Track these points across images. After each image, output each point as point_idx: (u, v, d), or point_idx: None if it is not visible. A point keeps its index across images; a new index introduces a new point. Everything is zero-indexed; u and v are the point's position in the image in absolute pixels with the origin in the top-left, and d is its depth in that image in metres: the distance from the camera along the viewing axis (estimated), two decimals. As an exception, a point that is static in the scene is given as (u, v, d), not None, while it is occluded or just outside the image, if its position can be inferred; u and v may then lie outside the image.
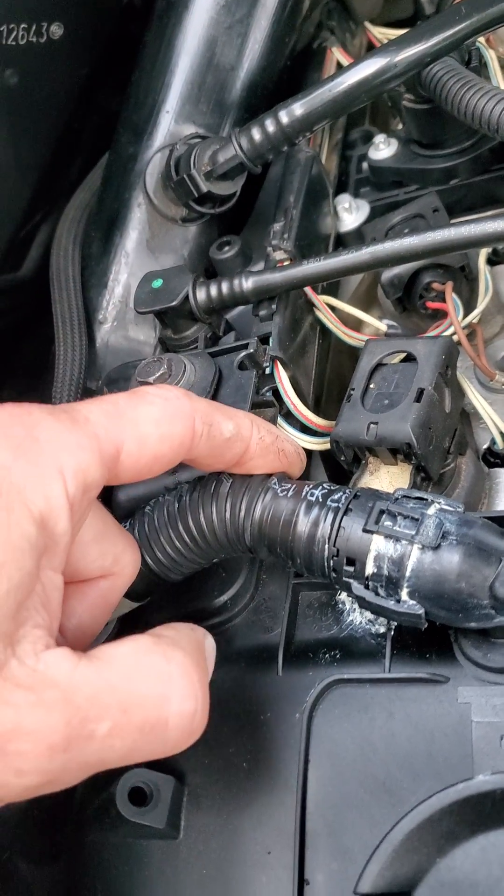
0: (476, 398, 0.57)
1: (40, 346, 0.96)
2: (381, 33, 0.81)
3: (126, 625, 0.57)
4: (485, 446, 0.59)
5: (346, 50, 0.78)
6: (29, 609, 0.34)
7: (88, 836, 0.50)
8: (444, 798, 0.38)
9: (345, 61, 0.75)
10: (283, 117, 0.58)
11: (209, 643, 0.43)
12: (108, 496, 0.58)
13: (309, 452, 0.59)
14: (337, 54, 0.76)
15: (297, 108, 0.57)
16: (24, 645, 0.34)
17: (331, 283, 0.66)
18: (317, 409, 0.59)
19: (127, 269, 0.67)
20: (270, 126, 0.58)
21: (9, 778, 0.33)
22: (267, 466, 0.47)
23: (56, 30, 0.75)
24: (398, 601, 0.43)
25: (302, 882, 0.42)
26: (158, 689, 0.37)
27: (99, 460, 0.38)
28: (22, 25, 0.72)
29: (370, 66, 0.56)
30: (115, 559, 0.43)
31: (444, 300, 0.58)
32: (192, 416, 0.42)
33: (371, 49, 0.82)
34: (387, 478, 0.53)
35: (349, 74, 0.56)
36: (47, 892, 0.64)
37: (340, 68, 0.76)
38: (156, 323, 0.66)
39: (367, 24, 0.82)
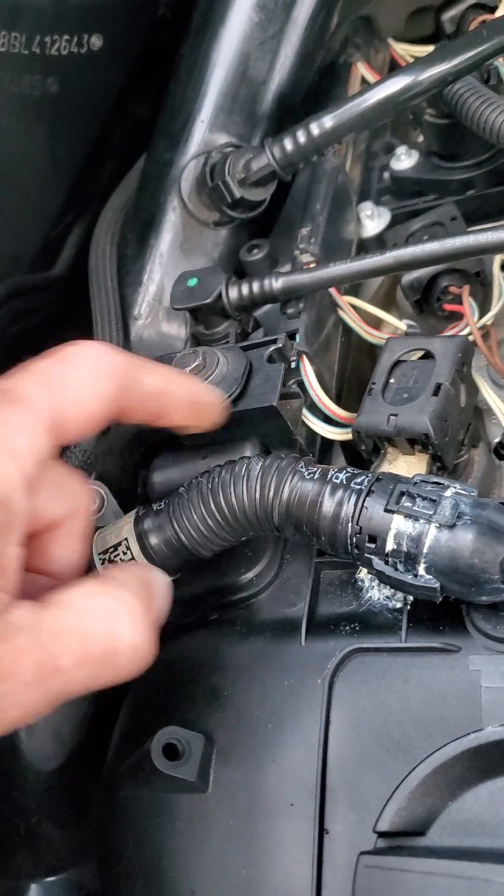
0: (489, 395, 0.61)
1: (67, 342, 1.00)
2: (404, 49, 0.85)
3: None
4: (496, 440, 0.63)
5: (371, 65, 0.82)
6: None
7: (121, 793, 0.53)
8: (456, 747, 0.41)
9: (369, 76, 0.79)
10: (315, 129, 0.62)
11: (159, 581, 0.47)
12: (144, 482, 0.62)
13: (330, 442, 0.63)
14: (362, 69, 0.80)
15: (328, 121, 0.61)
16: None
17: (353, 285, 0.70)
18: (338, 401, 0.63)
19: (161, 269, 0.71)
20: (302, 137, 0.62)
21: None
22: (190, 421, 0.51)
23: (96, 41, 0.79)
24: (416, 576, 0.47)
25: (322, 831, 0.46)
26: (107, 623, 0.42)
27: (45, 434, 0.41)
28: (65, 37, 0.76)
29: (396, 84, 0.60)
30: (73, 498, 0.47)
31: (460, 303, 0.62)
32: (119, 372, 0.45)
33: (393, 64, 0.86)
34: (404, 467, 0.57)
35: (376, 91, 0.60)
36: (73, 853, 0.68)
37: (365, 82, 0.81)
38: (186, 319, 0.70)
39: (391, 41, 0.85)
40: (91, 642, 0.40)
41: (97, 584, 0.43)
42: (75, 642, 0.40)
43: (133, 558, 0.54)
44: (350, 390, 0.68)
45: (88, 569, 0.51)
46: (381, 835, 0.42)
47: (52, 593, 0.41)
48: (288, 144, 0.63)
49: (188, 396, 0.50)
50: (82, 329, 0.78)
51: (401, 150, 0.75)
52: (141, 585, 0.45)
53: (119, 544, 0.54)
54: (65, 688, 0.40)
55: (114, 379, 0.45)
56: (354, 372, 0.70)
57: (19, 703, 0.38)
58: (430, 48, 0.82)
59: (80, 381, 0.43)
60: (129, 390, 0.46)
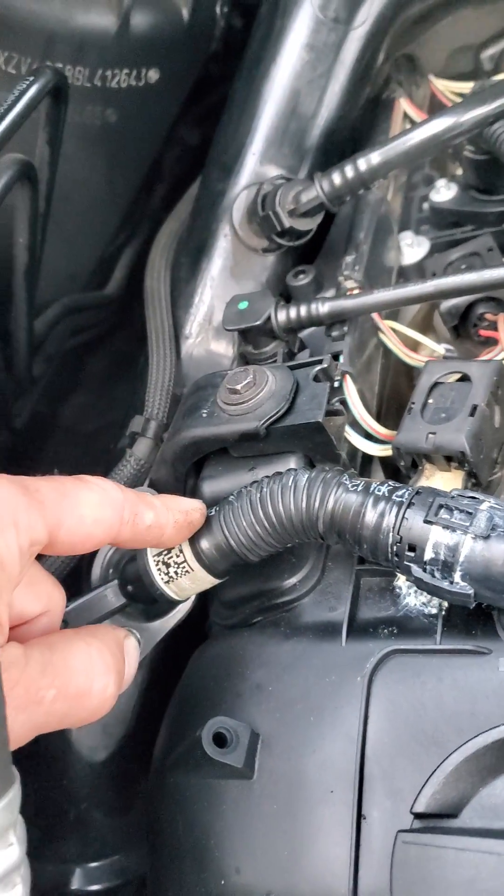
0: (521, 417, 0.65)
1: (111, 358, 1.05)
2: (444, 86, 0.89)
3: (204, 599, 0.65)
4: (527, 459, 0.67)
5: (412, 100, 0.86)
6: None
7: (171, 778, 0.57)
8: (486, 738, 0.45)
9: (412, 112, 0.84)
10: (362, 165, 0.66)
11: (129, 641, 0.52)
12: (192, 490, 0.66)
13: (370, 457, 0.67)
14: (404, 105, 0.84)
15: (375, 158, 0.66)
16: None
17: (393, 310, 0.74)
18: (378, 419, 0.67)
19: (211, 292, 0.76)
20: (350, 172, 0.67)
21: None
22: (178, 540, 0.56)
23: (153, 75, 0.83)
24: (451, 583, 0.50)
25: (360, 817, 0.50)
26: (85, 666, 0.47)
27: (44, 525, 0.46)
28: (124, 71, 0.81)
29: (440, 124, 0.64)
30: (49, 598, 0.52)
31: (495, 329, 0.66)
32: (122, 506, 0.50)
33: (434, 99, 0.91)
34: (441, 482, 0.61)
35: (421, 130, 0.65)
36: (119, 840, 0.72)
37: (407, 117, 0.85)
38: (234, 339, 0.74)
39: (432, 77, 0.89)
40: (70, 680, 0.46)
41: (77, 634, 0.49)
42: (57, 678, 0.45)
43: (186, 561, 0.57)
44: (389, 409, 0.72)
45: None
46: (418, 816, 0.46)
47: (35, 639, 0.47)
48: (336, 178, 0.68)
49: (174, 526, 0.54)
50: (131, 345, 0.83)
51: (440, 182, 0.79)
52: (114, 642, 0.50)
53: (173, 547, 0.58)
54: (45, 719, 0.44)
55: (117, 511, 0.50)
56: (393, 392, 0.74)
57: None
58: (469, 84, 0.86)
59: (89, 501, 0.48)
60: (128, 524, 0.51)
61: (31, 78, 0.62)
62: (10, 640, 0.45)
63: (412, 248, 0.77)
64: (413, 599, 0.57)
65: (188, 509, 0.56)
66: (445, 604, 0.55)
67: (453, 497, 0.52)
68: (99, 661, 0.48)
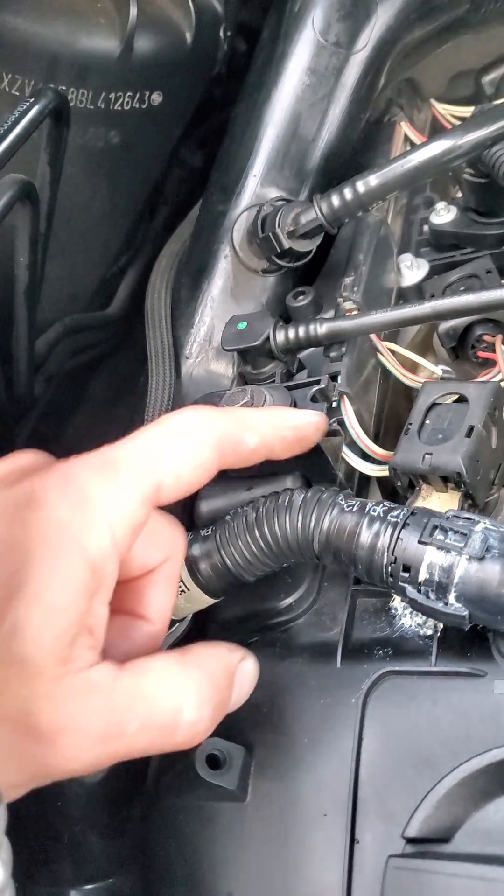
0: (519, 438, 0.65)
1: (113, 378, 1.06)
2: (445, 109, 0.90)
3: (200, 619, 0.65)
4: (525, 481, 0.67)
5: (413, 124, 0.87)
6: (82, 635, 0.42)
7: (164, 801, 0.57)
8: (480, 761, 0.45)
9: (412, 135, 0.84)
10: (361, 187, 0.67)
11: (245, 665, 0.50)
12: (190, 507, 0.66)
13: (367, 477, 0.67)
14: (405, 128, 0.85)
15: (373, 180, 0.66)
16: (77, 663, 0.42)
17: (392, 331, 0.74)
18: (376, 440, 0.67)
19: (211, 312, 0.76)
20: (349, 194, 0.67)
21: (59, 762, 0.41)
22: (288, 453, 0.54)
23: (156, 97, 0.84)
24: (446, 604, 0.50)
25: (353, 841, 0.49)
26: (176, 700, 0.45)
27: (142, 504, 0.44)
28: (128, 93, 0.82)
29: (438, 147, 0.65)
30: (169, 544, 0.50)
31: (493, 351, 0.66)
32: (219, 439, 0.48)
33: (435, 123, 0.91)
34: (437, 503, 0.61)
35: (419, 153, 0.65)
36: (113, 862, 0.71)
37: (408, 140, 0.85)
38: (234, 359, 0.74)
39: (433, 101, 0.90)
40: (157, 712, 0.44)
41: (174, 660, 0.46)
42: (143, 710, 0.43)
43: (182, 580, 0.57)
44: (388, 429, 0.72)
45: None
46: (409, 840, 0.45)
47: (133, 661, 0.45)
48: (335, 201, 0.68)
49: (284, 438, 0.52)
50: (133, 365, 0.83)
51: (440, 205, 0.79)
52: (221, 670, 0.48)
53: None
54: (125, 750, 0.43)
55: (215, 447, 0.48)
56: (392, 412, 0.74)
57: (82, 758, 0.42)
58: (470, 109, 0.87)
59: (182, 451, 0.46)
60: (231, 453, 0.49)
61: (31, 100, 0.62)
62: (105, 660, 0.43)
63: (411, 269, 0.78)
64: (409, 620, 0.57)
65: (297, 424, 0.53)
66: (441, 625, 0.55)
67: (448, 518, 0.52)
68: (194, 695, 0.45)
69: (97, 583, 0.42)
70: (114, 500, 0.43)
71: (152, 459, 0.45)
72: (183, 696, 0.45)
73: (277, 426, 0.52)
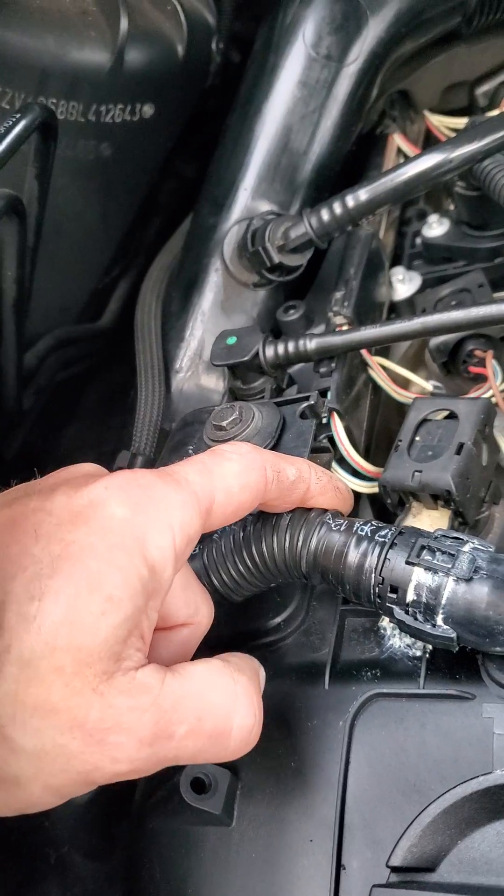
0: (511, 455, 0.64)
1: (105, 390, 1.05)
2: (439, 121, 0.89)
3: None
4: (517, 498, 0.66)
5: (407, 135, 0.86)
6: (134, 636, 0.42)
7: (150, 824, 0.56)
8: (466, 788, 0.44)
9: (405, 147, 0.84)
10: (350, 201, 0.66)
11: (262, 672, 0.51)
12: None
13: (358, 495, 0.66)
14: (398, 141, 0.84)
15: (363, 194, 0.66)
16: (128, 662, 0.41)
17: (383, 346, 0.74)
18: (367, 456, 0.66)
19: (202, 326, 0.75)
20: (338, 209, 0.67)
21: (105, 763, 0.40)
22: (326, 503, 0.54)
23: (148, 109, 0.83)
24: (434, 625, 0.49)
25: (339, 867, 0.48)
26: (227, 703, 0.44)
27: (198, 515, 0.45)
28: (119, 106, 0.81)
29: (429, 161, 0.64)
30: (196, 609, 0.50)
31: (485, 366, 0.66)
32: (264, 466, 0.50)
33: (429, 134, 0.91)
34: (428, 521, 0.60)
35: (410, 167, 0.64)
36: (101, 884, 0.70)
37: (400, 153, 0.85)
38: (224, 373, 0.74)
39: (427, 113, 0.90)
40: (206, 716, 0.43)
41: (220, 663, 0.46)
42: (192, 713, 0.43)
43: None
44: (379, 445, 0.71)
45: None
46: (394, 870, 0.44)
47: (179, 664, 0.44)
48: (325, 215, 0.68)
49: (318, 484, 0.54)
50: (126, 377, 0.82)
51: (433, 218, 0.78)
52: (254, 672, 0.48)
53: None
54: (174, 754, 0.42)
55: (260, 472, 0.49)
56: (383, 428, 0.73)
57: (130, 759, 0.41)
58: (464, 120, 0.86)
59: (231, 472, 0.48)
60: (274, 480, 0.50)
61: (18, 115, 0.62)
62: (152, 662, 0.43)
63: (404, 283, 0.77)
64: (397, 641, 0.56)
65: (332, 475, 0.55)
66: (430, 646, 0.54)
67: (436, 538, 0.51)
68: (244, 699, 0.45)
69: (155, 584, 0.42)
70: (175, 505, 0.44)
71: (208, 474, 0.47)
72: (233, 699, 0.45)
73: (313, 467, 0.54)
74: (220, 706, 0.44)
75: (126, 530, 0.42)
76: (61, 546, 0.40)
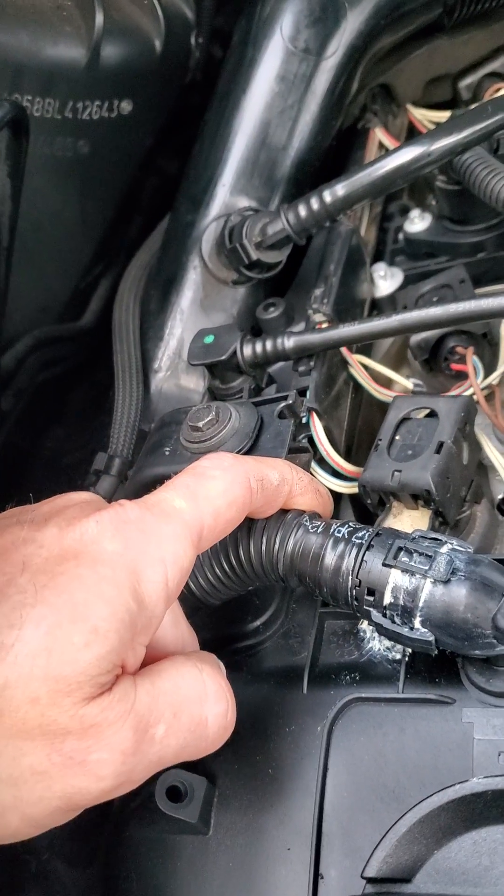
0: (493, 453, 0.63)
1: (91, 391, 1.04)
2: (422, 115, 0.88)
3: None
4: (500, 497, 0.65)
5: (388, 130, 0.85)
6: (117, 669, 0.41)
7: (126, 833, 0.55)
8: (442, 797, 0.43)
9: (387, 141, 0.83)
10: (327, 197, 0.65)
11: (221, 664, 0.50)
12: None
13: (339, 495, 0.65)
14: (379, 135, 0.83)
15: (340, 189, 0.65)
16: (106, 686, 0.41)
17: (364, 344, 0.73)
18: (348, 457, 0.65)
19: (181, 325, 0.74)
20: (315, 204, 0.66)
21: (90, 784, 0.40)
22: (307, 503, 0.54)
23: (126, 106, 0.82)
24: (412, 628, 0.48)
25: (317, 876, 0.47)
26: (197, 692, 0.45)
27: (190, 545, 0.45)
28: (96, 102, 0.80)
29: (407, 154, 0.63)
30: (183, 646, 0.50)
31: (466, 363, 0.65)
32: (248, 478, 0.49)
33: (412, 128, 0.90)
34: (408, 521, 0.59)
35: (388, 160, 0.63)
36: (82, 892, 0.69)
37: (382, 147, 0.84)
38: (205, 373, 0.73)
39: (409, 106, 0.89)
40: (181, 709, 0.43)
41: (183, 658, 0.46)
42: (167, 710, 0.42)
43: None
44: (360, 445, 0.70)
45: None
46: (370, 881, 0.43)
47: (145, 668, 0.44)
48: (302, 211, 0.66)
49: (300, 485, 0.53)
50: (111, 376, 0.81)
51: (414, 213, 0.77)
52: (214, 662, 0.48)
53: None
54: (157, 757, 0.42)
55: (245, 485, 0.48)
56: (365, 426, 0.72)
57: (115, 773, 0.40)
58: (447, 113, 0.85)
59: (217, 491, 0.47)
60: (259, 489, 0.50)
61: (-13, 112, 0.61)
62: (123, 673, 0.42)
63: (385, 279, 0.76)
64: (377, 644, 0.55)
65: (311, 477, 0.55)
66: (409, 650, 0.53)
67: (414, 539, 0.50)
68: (212, 685, 0.45)
69: (144, 619, 0.42)
70: (167, 539, 0.44)
71: (194, 499, 0.46)
72: (203, 687, 0.45)
73: (292, 467, 0.54)
74: (192, 696, 0.44)
75: (117, 563, 0.41)
76: (48, 577, 0.40)
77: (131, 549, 0.42)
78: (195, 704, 0.44)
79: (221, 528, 0.47)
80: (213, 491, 0.47)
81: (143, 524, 0.43)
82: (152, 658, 0.46)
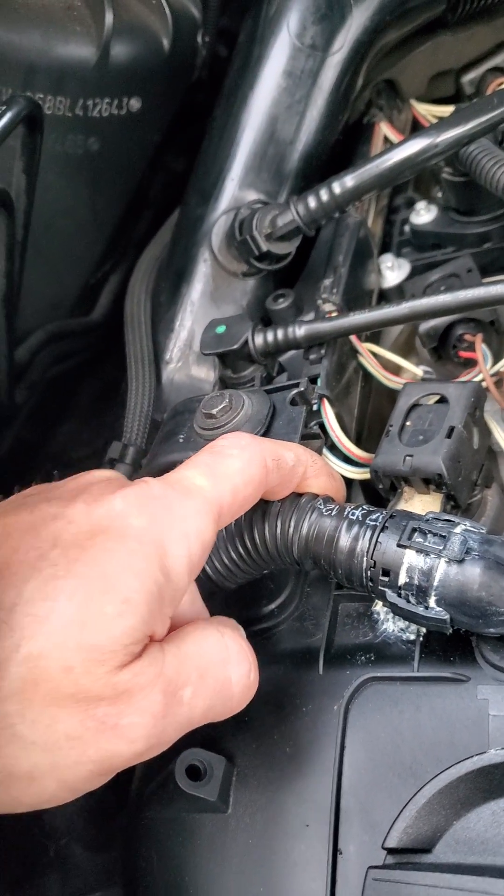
0: (503, 439, 0.64)
1: (101, 385, 1.05)
2: (426, 110, 0.89)
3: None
4: (510, 481, 0.66)
5: (393, 125, 0.86)
6: (147, 637, 0.42)
7: (146, 813, 0.56)
8: (461, 769, 0.44)
9: (392, 136, 0.84)
10: (336, 188, 0.66)
11: (240, 629, 0.52)
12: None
13: (351, 481, 0.66)
14: (385, 129, 0.84)
15: (349, 181, 0.66)
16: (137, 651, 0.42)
17: (374, 332, 0.74)
18: (358, 443, 0.66)
19: (192, 317, 0.75)
20: (325, 196, 0.67)
21: (123, 747, 0.41)
22: (321, 486, 0.55)
23: (135, 103, 0.83)
24: (426, 608, 0.49)
25: (336, 852, 0.48)
26: (221, 654, 0.46)
27: (212, 521, 0.46)
28: (105, 100, 0.81)
29: (414, 146, 0.64)
30: (197, 616, 0.51)
31: (474, 350, 0.66)
32: (263, 456, 0.50)
33: (416, 123, 0.91)
34: (420, 506, 0.60)
35: (395, 152, 0.64)
36: (100, 876, 0.70)
37: (387, 142, 0.85)
38: (215, 363, 0.74)
39: (413, 102, 0.90)
40: (206, 671, 0.45)
41: (204, 622, 0.48)
42: (194, 672, 0.44)
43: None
44: (371, 432, 0.71)
45: None
46: (390, 851, 0.44)
47: (171, 633, 0.45)
48: (311, 202, 0.67)
49: (314, 467, 0.55)
50: (119, 371, 0.82)
51: (420, 205, 0.78)
52: (234, 625, 0.50)
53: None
54: (185, 718, 0.44)
55: (261, 463, 0.50)
56: (375, 414, 0.73)
57: (147, 735, 0.41)
58: (451, 108, 0.86)
59: (235, 469, 0.48)
60: (275, 468, 0.51)
61: (3, 107, 0.62)
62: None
63: (393, 270, 0.77)
64: (391, 625, 0.56)
65: (325, 461, 0.57)
66: (424, 630, 0.54)
67: (427, 520, 0.51)
68: (234, 646, 0.47)
69: (170, 591, 0.43)
70: (190, 514, 0.45)
71: (214, 476, 0.48)
72: (226, 650, 0.46)
73: (307, 450, 0.55)
74: (216, 658, 0.46)
75: (144, 538, 0.43)
76: (79, 551, 0.41)
77: (157, 525, 0.43)
78: (219, 666, 0.46)
79: (239, 505, 0.49)
80: (231, 469, 0.48)
81: (166, 500, 0.45)
82: (173, 629, 0.47)
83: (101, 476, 0.49)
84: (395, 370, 0.70)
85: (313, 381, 0.64)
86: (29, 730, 0.39)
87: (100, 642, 0.40)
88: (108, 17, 0.76)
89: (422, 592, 0.49)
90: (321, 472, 0.55)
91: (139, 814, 0.57)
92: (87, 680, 0.39)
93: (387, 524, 0.51)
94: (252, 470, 0.49)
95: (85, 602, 0.40)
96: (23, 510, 0.44)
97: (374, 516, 0.52)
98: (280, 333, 0.65)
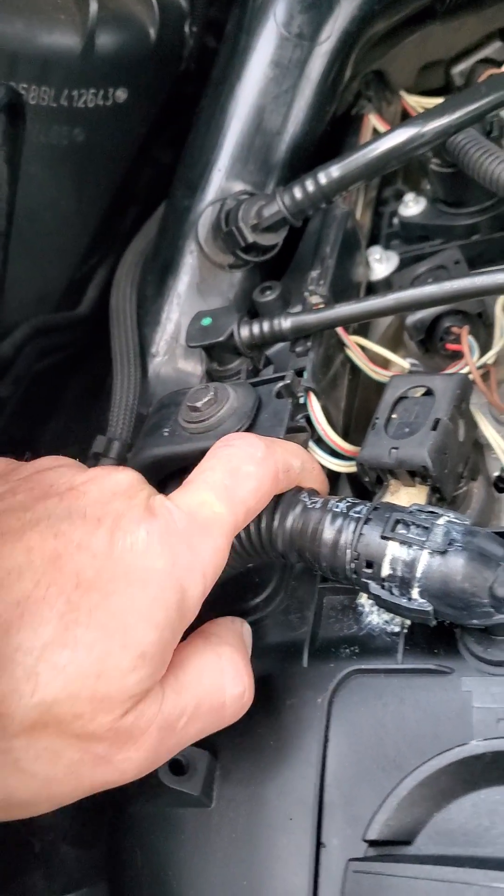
0: (489, 431, 0.64)
1: (89, 380, 1.04)
2: (416, 101, 0.89)
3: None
4: (496, 474, 0.66)
5: (382, 116, 0.86)
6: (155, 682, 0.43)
7: (130, 808, 0.56)
8: (442, 760, 0.44)
9: (381, 127, 0.83)
10: (322, 178, 0.66)
11: (246, 629, 0.53)
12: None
13: (337, 474, 0.66)
14: (373, 120, 0.84)
15: (335, 171, 0.65)
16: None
17: (362, 325, 0.73)
18: (345, 436, 0.66)
19: (178, 309, 0.75)
20: (311, 186, 0.66)
21: (115, 777, 0.43)
22: (311, 482, 0.56)
23: (121, 94, 0.83)
24: (410, 599, 0.49)
25: (319, 845, 0.48)
26: (217, 680, 0.47)
27: (226, 547, 0.47)
28: (91, 90, 0.80)
29: (400, 136, 0.63)
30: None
31: (461, 342, 0.65)
32: (276, 470, 0.50)
33: (405, 115, 0.90)
34: (406, 498, 0.60)
35: (382, 142, 0.64)
36: (86, 872, 0.70)
37: (376, 132, 0.84)
38: (202, 356, 0.73)
39: (403, 93, 0.89)
40: (202, 700, 0.45)
41: (203, 643, 0.48)
42: (191, 703, 0.45)
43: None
44: (358, 425, 0.71)
45: None
46: (371, 843, 0.44)
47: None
48: (297, 193, 0.67)
49: (315, 463, 0.56)
50: (105, 365, 0.82)
51: (409, 196, 0.78)
52: (236, 637, 0.51)
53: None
54: (175, 743, 0.44)
55: (275, 479, 0.50)
56: (363, 408, 0.73)
57: (139, 767, 0.43)
58: (440, 100, 0.85)
59: (252, 490, 0.49)
60: (284, 479, 0.52)
61: (-17, 96, 0.61)
62: None
63: (381, 262, 0.77)
64: (376, 618, 0.55)
65: (315, 458, 0.58)
66: (408, 622, 0.54)
67: (411, 512, 0.51)
68: (230, 670, 0.47)
69: (182, 626, 0.44)
70: (209, 552, 0.46)
71: (231, 503, 0.48)
72: (222, 675, 0.47)
73: (307, 452, 0.56)
74: (212, 685, 0.46)
75: (166, 583, 0.43)
76: (101, 596, 0.41)
77: (178, 567, 0.44)
78: (215, 694, 0.46)
79: (247, 520, 0.50)
80: (247, 490, 0.49)
81: (188, 537, 0.45)
82: None
83: (55, 462, 0.49)
84: (383, 363, 0.70)
85: (299, 373, 0.64)
86: (32, 764, 0.40)
87: (111, 693, 0.40)
88: (93, 6, 0.76)
89: (405, 584, 0.49)
90: (315, 469, 0.55)
91: (123, 809, 0.56)
92: (93, 726, 0.40)
93: (370, 516, 0.51)
94: (266, 488, 0.50)
95: (103, 656, 0.40)
96: (43, 524, 0.42)
97: (357, 508, 0.52)
98: (266, 325, 0.64)
